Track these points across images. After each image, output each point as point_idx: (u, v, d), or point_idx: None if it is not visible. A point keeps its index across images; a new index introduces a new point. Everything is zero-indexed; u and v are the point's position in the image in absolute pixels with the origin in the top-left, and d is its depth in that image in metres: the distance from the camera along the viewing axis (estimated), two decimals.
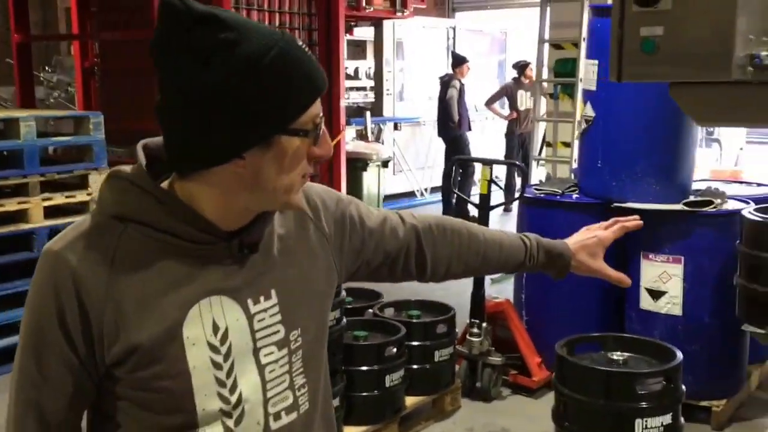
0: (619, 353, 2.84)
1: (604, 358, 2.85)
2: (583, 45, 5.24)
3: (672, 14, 1.34)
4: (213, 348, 1.16)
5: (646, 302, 4.12)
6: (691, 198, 4.18)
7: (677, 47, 1.35)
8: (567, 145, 6.03)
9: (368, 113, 10.22)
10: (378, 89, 10.97)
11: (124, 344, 1.11)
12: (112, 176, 1.17)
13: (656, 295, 4.07)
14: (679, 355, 2.94)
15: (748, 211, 2.74)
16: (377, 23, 10.48)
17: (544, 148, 6.20)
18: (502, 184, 7.17)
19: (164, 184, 1.18)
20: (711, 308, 4.00)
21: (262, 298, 1.21)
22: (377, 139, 10.36)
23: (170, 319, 1.13)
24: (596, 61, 4.20)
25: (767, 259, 2.62)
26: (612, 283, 1.67)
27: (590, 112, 4.29)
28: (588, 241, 1.64)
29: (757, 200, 4.29)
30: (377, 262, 1.45)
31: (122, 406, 1.17)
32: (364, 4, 8.66)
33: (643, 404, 2.77)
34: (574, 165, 5.76)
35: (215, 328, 1.16)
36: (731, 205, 4.14)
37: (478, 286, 4.37)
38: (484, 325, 4.34)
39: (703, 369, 3.98)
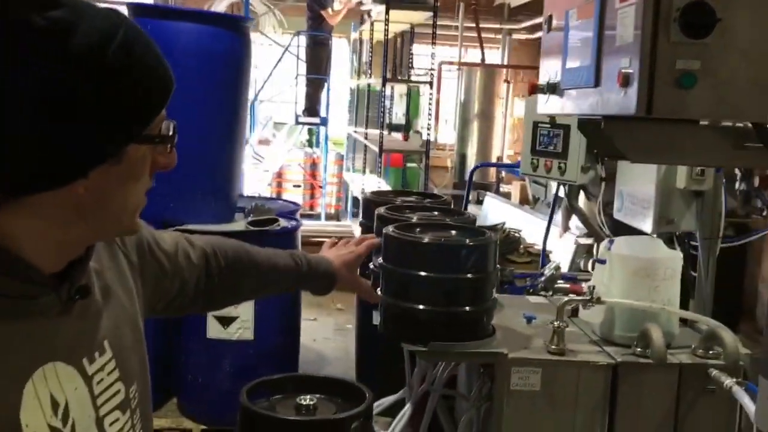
0: (308, 397, 2.57)
1: (294, 404, 2.54)
2: None
3: (711, 48, 1.24)
4: (54, 431, 0.91)
5: (214, 330, 3.86)
6: (242, 215, 4.09)
7: (715, 84, 1.26)
8: None
9: None
10: None
11: None
12: None
13: (226, 321, 3.85)
14: (367, 390, 2.80)
15: (392, 230, 2.77)
16: None
17: None
18: None
19: None
20: (278, 328, 3.99)
21: (97, 354, 1.00)
22: None
23: (6, 406, 0.87)
24: None
25: (417, 276, 2.71)
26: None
27: None
28: (347, 256, 1.72)
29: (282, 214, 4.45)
30: (174, 292, 1.31)
31: None
32: None
33: None
34: None
35: (54, 406, 0.92)
36: (284, 222, 4.19)
37: None
38: None
39: None
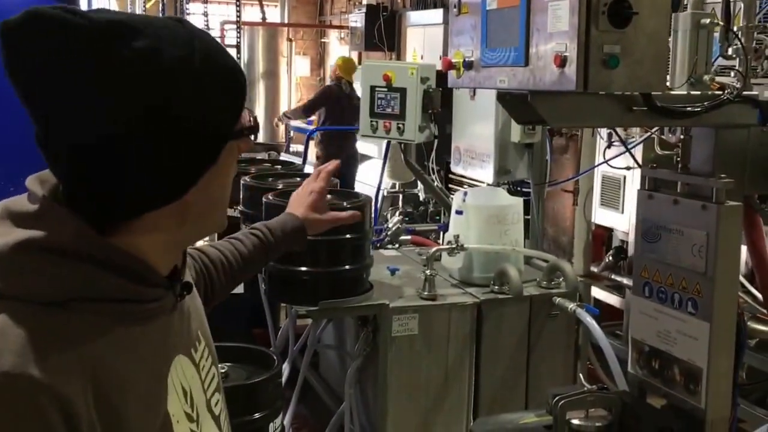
0: (219, 365, 2.59)
1: None
2: None
3: (628, 35, 1.52)
4: (189, 417, 0.99)
5: None
6: None
7: (630, 63, 1.55)
8: None
9: None
10: None
11: None
12: (24, 249, 0.84)
13: None
14: (275, 354, 2.87)
15: (271, 197, 2.84)
16: None
17: None
18: None
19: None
20: None
21: (197, 343, 1.05)
22: None
23: (156, 403, 0.93)
24: None
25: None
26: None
27: None
28: (309, 199, 1.66)
29: None
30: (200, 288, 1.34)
31: None
32: None
33: (267, 411, 2.64)
34: None
35: (185, 394, 0.99)
36: None
37: None
38: None
39: None
